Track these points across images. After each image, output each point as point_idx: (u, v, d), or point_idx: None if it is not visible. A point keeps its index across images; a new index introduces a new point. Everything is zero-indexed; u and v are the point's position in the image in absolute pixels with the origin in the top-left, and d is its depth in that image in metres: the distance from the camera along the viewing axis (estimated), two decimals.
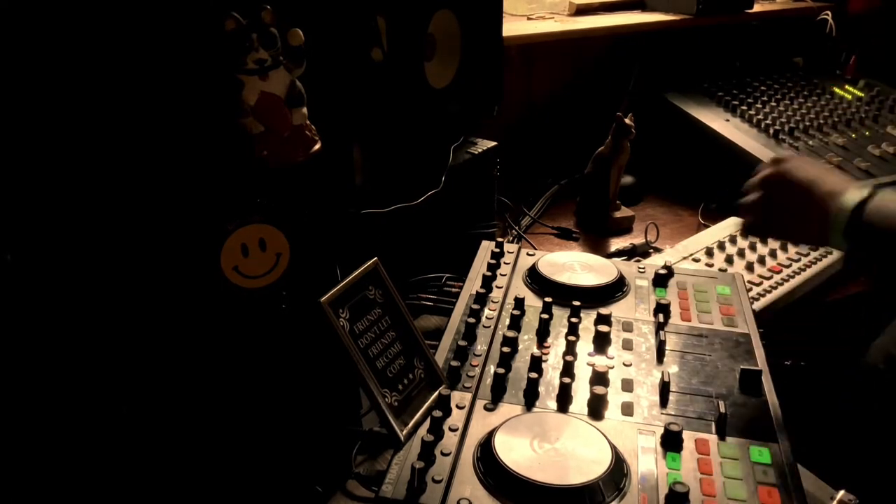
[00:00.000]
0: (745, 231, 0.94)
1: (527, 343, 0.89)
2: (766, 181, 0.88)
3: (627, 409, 0.78)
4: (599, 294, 0.98)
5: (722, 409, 0.76)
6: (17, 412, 0.63)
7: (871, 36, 1.97)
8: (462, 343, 0.86)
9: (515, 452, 0.69)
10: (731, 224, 1.33)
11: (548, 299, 0.94)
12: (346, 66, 0.83)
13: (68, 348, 0.63)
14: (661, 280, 1.02)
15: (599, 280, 1.00)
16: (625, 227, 1.44)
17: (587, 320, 0.92)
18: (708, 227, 1.36)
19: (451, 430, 0.73)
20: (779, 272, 1.19)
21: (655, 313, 0.94)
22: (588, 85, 1.74)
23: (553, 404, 0.79)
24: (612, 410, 0.78)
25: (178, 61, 0.61)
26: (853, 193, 0.80)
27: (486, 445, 0.71)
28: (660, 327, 0.90)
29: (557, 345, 0.88)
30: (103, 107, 0.60)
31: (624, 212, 1.45)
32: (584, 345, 0.88)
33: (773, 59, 1.91)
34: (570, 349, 0.86)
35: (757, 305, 1.10)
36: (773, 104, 1.63)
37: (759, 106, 1.61)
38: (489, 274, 1.00)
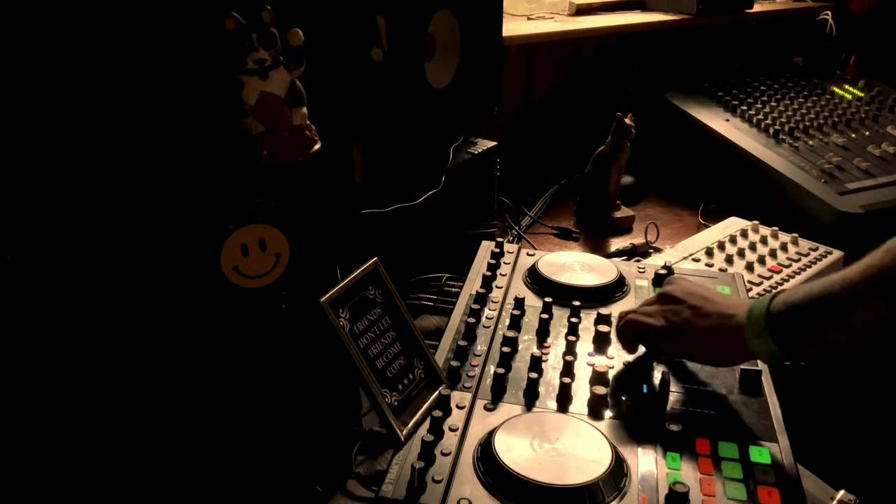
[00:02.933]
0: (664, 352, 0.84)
1: (527, 343, 0.89)
2: (663, 298, 0.84)
3: (627, 409, 0.78)
4: (599, 294, 0.98)
5: (722, 409, 0.76)
6: (18, 412, 0.63)
7: (871, 36, 1.97)
8: (462, 343, 0.86)
9: (515, 452, 0.69)
10: (731, 224, 1.33)
11: (548, 299, 0.94)
12: (346, 66, 0.83)
13: (68, 348, 0.63)
14: (661, 280, 1.02)
15: (599, 280, 1.00)
16: (625, 227, 1.44)
17: (587, 320, 0.92)
18: (708, 227, 1.36)
19: (451, 430, 0.73)
20: (779, 272, 1.19)
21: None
22: (588, 85, 1.74)
23: (553, 404, 0.79)
24: (612, 410, 0.78)
25: (178, 61, 0.61)
26: (759, 299, 0.76)
27: (486, 445, 0.71)
28: None
29: (557, 345, 0.88)
30: (103, 107, 0.60)
31: (624, 212, 1.45)
32: (584, 345, 0.88)
33: (773, 59, 1.92)
34: (570, 349, 0.86)
35: None
36: (773, 104, 1.63)
37: (759, 106, 1.61)
38: (489, 274, 1.00)
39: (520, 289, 1.00)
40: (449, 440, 0.72)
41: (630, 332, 0.84)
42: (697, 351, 0.81)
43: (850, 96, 1.73)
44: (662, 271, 1.03)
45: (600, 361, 0.85)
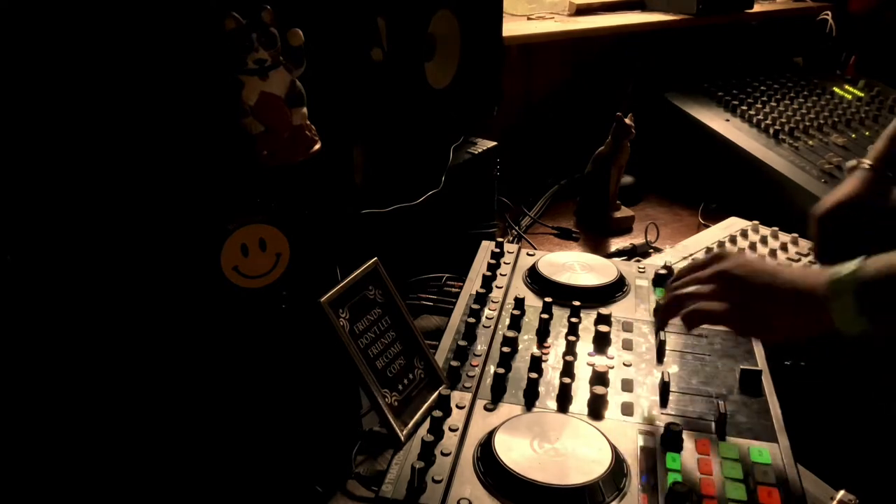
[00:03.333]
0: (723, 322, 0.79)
1: (527, 343, 0.89)
2: (721, 274, 0.78)
3: (627, 409, 0.78)
4: (599, 294, 0.98)
5: (722, 409, 0.76)
6: (18, 412, 0.63)
7: (871, 36, 1.97)
8: (462, 343, 0.86)
9: (515, 452, 0.69)
10: (731, 224, 1.33)
11: (548, 299, 0.94)
12: (346, 66, 0.83)
13: (69, 348, 0.63)
14: (661, 280, 1.02)
15: (599, 280, 1.00)
16: (625, 227, 1.44)
17: (587, 320, 0.92)
18: (708, 227, 1.36)
19: (451, 430, 0.73)
20: None
21: (655, 313, 0.94)
22: (588, 85, 1.74)
23: (553, 404, 0.79)
24: (612, 410, 0.78)
25: (178, 61, 0.61)
26: (839, 266, 0.71)
27: (486, 445, 0.71)
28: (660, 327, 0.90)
29: (557, 345, 0.88)
30: (104, 107, 0.60)
31: (624, 212, 1.45)
32: (584, 345, 0.88)
33: (773, 59, 1.92)
34: (570, 349, 0.86)
35: None
36: (773, 104, 1.63)
37: (759, 106, 1.61)
38: (489, 274, 1.00)
39: (520, 289, 1.00)
40: (449, 440, 0.72)
41: (695, 321, 0.79)
42: (772, 332, 0.77)
43: (850, 96, 1.73)
44: (662, 271, 1.03)
45: (600, 361, 0.85)
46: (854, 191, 1.02)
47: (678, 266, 1.10)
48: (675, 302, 0.81)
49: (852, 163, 1.05)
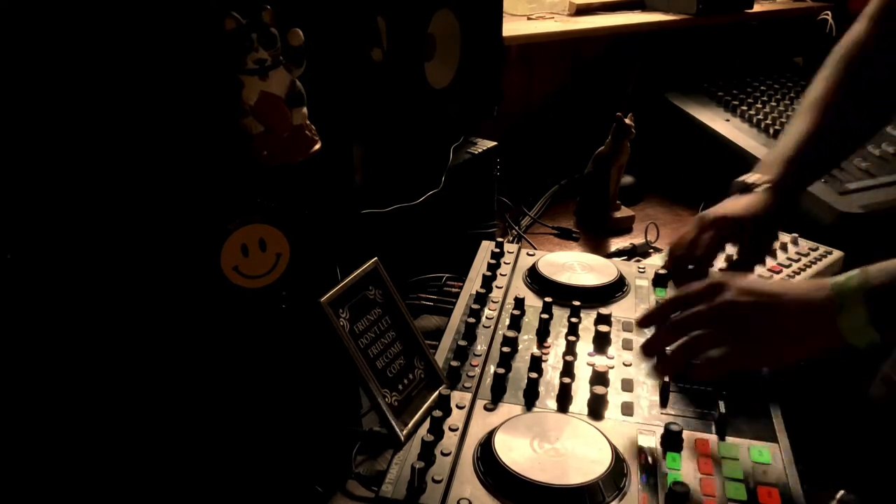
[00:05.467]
0: (696, 375, 0.76)
1: (527, 343, 0.89)
2: (723, 308, 0.73)
3: (627, 409, 0.78)
4: (599, 294, 0.98)
5: (722, 409, 0.76)
6: (18, 412, 0.63)
7: None
8: (462, 343, 0.86)
9: (515, 452, 0.69)
10: None
11: (548, 299, 0.94)
12: (346, 66, 0.83)
13: (69, 348, 0.63)
14: (661, 280, 1.02)
15: (599, 280, 1.00)
16: (625, 227, 1.44)
17: (587, 320, 0.92)
18: None
19: (451, 430, 0.73)
20: (779, 272, 1.18)
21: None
22: (588, 85, 1.74)
23: (553, 404, 0.79)
24: (612, 410, 0.78)
25: (178, 61, 0.61)
26: (840, 277, 0.69)
27: (486, 445, 0.71)
28: None
29: (557, 345, 0.88)
30: (103, 107, 0.60)
31: (624, 212, 1.45)
32: (584, 345, 0.88)
33: (773, 59, 1.91)
34: (570, 349, 0.86)
35: None
36: (774, 104, 1.63)
37: (759, 106, 1.61)
38: (489, 274, 1.00)
39: (520, 289, 1.00)
40: (449, 440, 0.72)
41: (705, 376, 0.75)
42: (782, 358, 0.73)
43: None
44: (662, 271, 1.03)
45: (600, 361, 0.85)
46: (752, 208, 0.90)
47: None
48: (683, 353, 0.75)
49: (750, 179, 0.93)
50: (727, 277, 0.75)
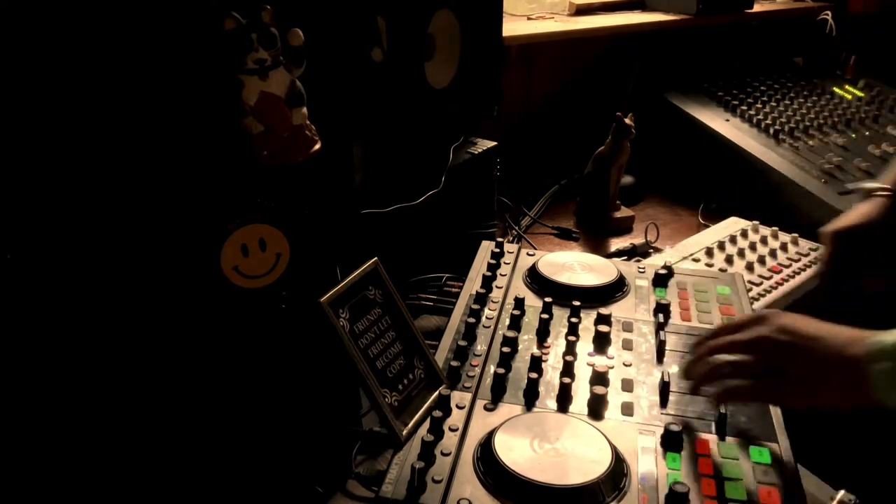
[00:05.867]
0: (725, 397, 0.75)
1: (527, 343, 0.89)
2: (758, 342, 0.73)
3: (627, 409, 0.78)
4: (599, 294, 0.98)
5: (722, 409, 0.76)
6: (17, 412, 0.63)
7: (871, 36, 1.97)
8: (462, 343, 0.86)
9: (515, 452, 0.69)
10: (731, 224, 1.33)
11: (548, 299, 0.94)
12: (346, 66, 0.83)
13: (69, 348, 0.63)
14: (661, 280, 1.02)
15: (599, 280, 1.00)
16: (625, 227, 1.44)
17: (587, 320, 0.92)
18: (708, 227, 1.36)
19: (451, 430, 0.73)
20: (779, 272, 1.19)
21: (655, 313, 0.94)
22: (588, 85, 1.74)
23: (553, 404, 0.79)
24: (612, 410, 0.78)
25: (177, 61, 0.61)
26: (881, 333, 0.67)
27: (486, 445, 0.71)
28: (660, 327, 0.90)
29: (557, 345, 0.88)
30: (103, 107, 0.60)
31: (624, 212, 1.45)
32: (584, 345, 0.88)
33: (773, 59, 1.92)
34: (570, 349, 0.86)
35: (757, 305, 1.10)
36: (773, 104, 1.63)
37: (759, 106, 1.61)
38: (489, 274, 1.00)
39: (520, 289, 1.00)
40: (449, 440, 0.72)
41: (723, 399, 0.75)
42: (805, 403, 0.72)
43: (850, 96, 1.73)
44: (662, 271, 1.03)
45: (600, 361, 0.85)
46: (871, 216, 0.98)
47: (678, 266, 1.10)
48: (713, 372, 0.76)
49: (868, 185, 1.00)
50: (772, 313, 0.75)
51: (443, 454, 0.70)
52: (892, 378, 0.64)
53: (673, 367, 0.85)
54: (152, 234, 0.63)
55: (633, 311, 0.96)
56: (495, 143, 1.28)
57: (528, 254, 1.08)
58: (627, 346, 0.88)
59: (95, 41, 0.58)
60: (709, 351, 0.77)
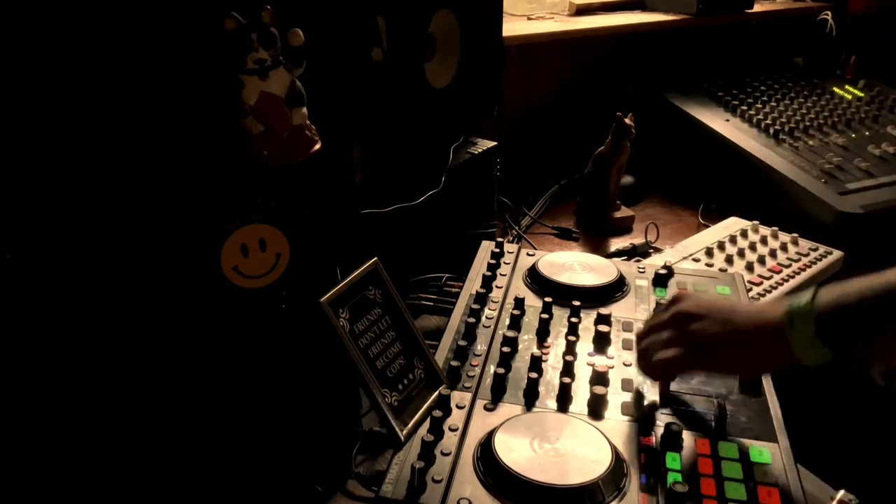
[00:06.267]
0: (655, 371, 0.79)
1: (527, 343, 0.89)
2: (680, 316, 0.77)
3: (627, 409, 0.78)
4: (599, 294, 0.98)
5: (722, 410, 0.76)
6: (17, 412, 0.63)
7: (871, 36, 1.97)
8: (462, 343, 0.86)
9: (515, 452, 0.69)
10: (731, 224, 1.33)
11: (548, 299, 0.94)
12: (346, 66, 0.83)
13: (69, 348, 0.63)
14: (661, 280, 1.02)
15: (599, 280, 1.00)
16: (625, 227, 1.44)
17: (587, 320, 0.92)
18: (708, 227, 1.36)
19: (451, 430, 0.73)
20: (779, 272, 1.19)
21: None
22: (588, 85, 1.74)
23: (553, 404, 0.79)
24: (612, 410, 0.78)
25: (177, 61, 0.61)
26: (796, 295, 0.70)
27: (486, 445, 0.71)
28: None
29: (557, 345, 0.88)
30: (103, 106, 0.60)
31: (624, 212, 1.45)
32: (584, 345, 0.88)
33: (773, 59, 1.91)
34: (570, 349, 0.86)
35: None
36: (773, 104, 1.63)
37: (759, 106, 1.61)
38: (489, 274, 1.00)
39: (520, 289, 1.00)
40: (449, 440, 0.72)
41: (658, 373, 0.79)
42: (734, 368, 0.77)
43: (850, 96, 1.73)
44: (662, 271, 1.03)
45: (600, 361, 0.85)
46: None
47: (678, 266, 1.10)
48: (641, 358, 0.80)
49: None
50: (688, 293, 0.81)
51: (443, 454, 0.70)
52: (808, 335, 0.68)
53: None
54: (152, 234, 0.63)
55: (633, 311, 0.96)
56: (495, 143, 1.28)
57: (528, 254, 1.08)
58: (627, 346, 0.88)
59: (96, 41, 0.58)
60: (639, 340, 0.82)
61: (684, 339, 0.76)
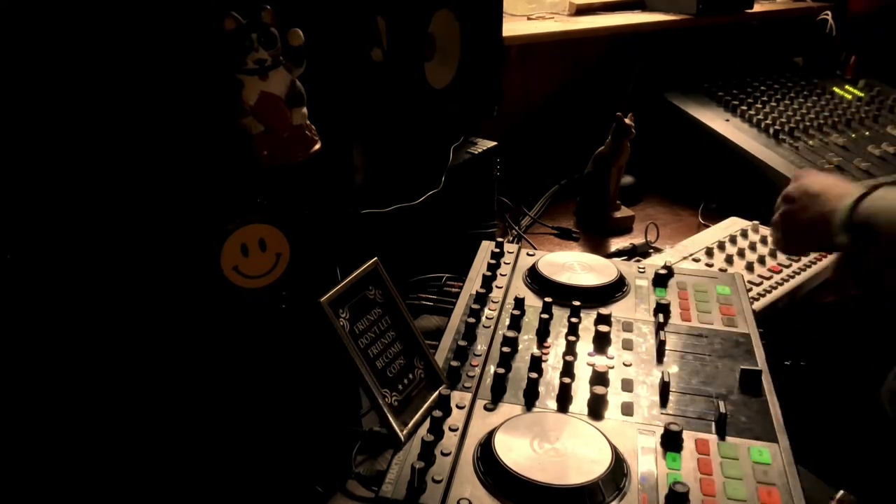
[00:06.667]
0: (775, 247, 1.07)
1: (527, 343, 0.89)
2: (784, 197, 0.97)
3: (627, 409, 0.78)
4: (599, 294, 0.98)
5: (722, 409, 0.76)
6: (17, 412, 0.63)
7: (871, 36, 1.97)
8: (462, 343, 0.86)
9: (515, 452, 0.69)
10: (731, 224, 1.33)
11: (548, 299, 0.94)
12: (346, 66, 0.83)
13: (69, 348, 0.63)
14: (661, 280, 1.02)
15: (599, 280, 1.00)
16: (625, 227, 1.44)
17: (587, 320, 0.92)
18: (708, 227, 1.36)
19: (451, 430, 0.73)
20: (779, 272, 1.19)
21: (655, 313, 0.94)
22: (588, 85, 1.74)
23: (553, 404, 0.79)
24: (612, 410, 0.78)
25: (178, 61, 0.61)
26: (855, 191, 0.87)
27: (486, 445, 0.71)
28: (660, 327, 0.90)
29: (557, 345, 0.88)
30: (103, 106, 0.60)
31: (624, 212, 1.45)
32: (584, 345, 0.88)
33: (773, 59, 1.92)
34: (570, 349, 0.85)
35: (757, 305, 1.10)
36: (773, 104, 1.63)
37: (759, 106, 1.61)
38: (489, 274, 1.00)
39: (520, 289, 1.00)
40: (449, 440, 0.72)
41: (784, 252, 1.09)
42: (797, 248, 1.05)
43: (850, 96, 1.73)
44: (662, 271, 1.03)
45: (600, 361, 0.85)
46: None
47: (678, 266, 1.10)
48: (775, 226, 1.01)
49: None
50: (801, 173, 1.02)
51: (443, 454, 0.70)
52: (842, 224, 0.86)
53: (673, 367, 0.85)
54: (152, 234, 0.63)
55: (633, 311, 0.96)
56: (495, 143, 1.28)
57: (528, 254, 1.08)
58: (627, 346, 0.88)
59: (96, 41, 0.58)
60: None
61: (783, 223, 0.98)
